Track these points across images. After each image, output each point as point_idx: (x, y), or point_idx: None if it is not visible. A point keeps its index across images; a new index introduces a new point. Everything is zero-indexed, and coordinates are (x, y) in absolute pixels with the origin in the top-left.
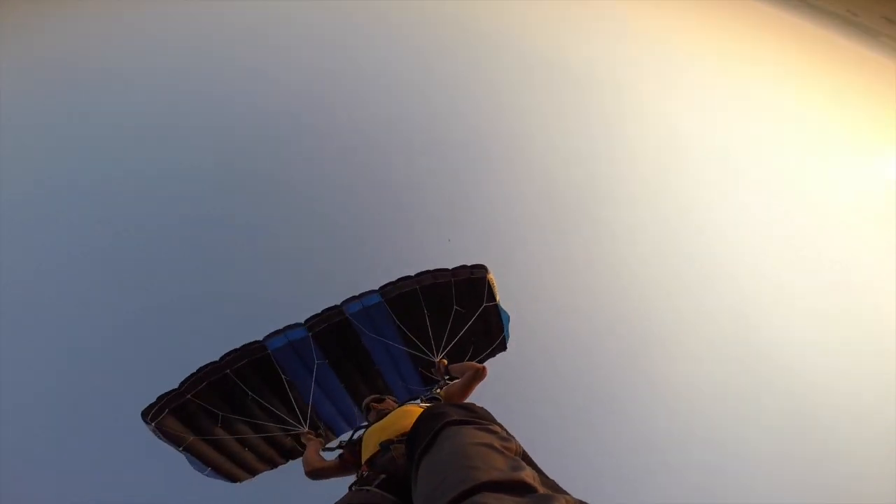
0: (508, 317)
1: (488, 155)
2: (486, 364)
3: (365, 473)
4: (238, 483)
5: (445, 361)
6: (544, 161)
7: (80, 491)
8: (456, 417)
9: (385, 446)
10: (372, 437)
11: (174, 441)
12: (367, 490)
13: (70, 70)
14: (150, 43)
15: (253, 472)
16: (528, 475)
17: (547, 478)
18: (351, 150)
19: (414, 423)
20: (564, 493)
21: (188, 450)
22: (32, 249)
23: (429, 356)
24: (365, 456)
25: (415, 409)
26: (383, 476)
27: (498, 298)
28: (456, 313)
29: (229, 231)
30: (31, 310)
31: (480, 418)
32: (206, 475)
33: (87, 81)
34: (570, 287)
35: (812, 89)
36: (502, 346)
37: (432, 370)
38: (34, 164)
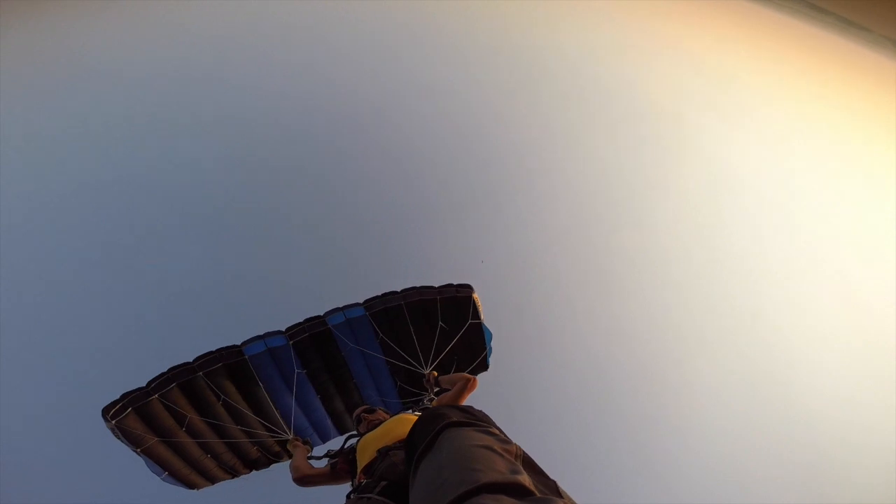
0: (491, 335)
1: (530, 176)
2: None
3: (363, 481)
4: (196, 490)
5: (436, 373)
6: (586, 189)
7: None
8: (455, 419)
9: (384, 453)
10: (369, 445)
11: (133, 442)
12: (369, 498)
13: (112, 66)
14: (184, 39)
15: (213, 480)
16: (525, 479)
17: (548, 479)
18: (389, 157)
19: (413, 425)
20: (564, 496)
21: (146, 452)
22: (72, 243)
23: (418, 368)
24: (362, 464)
25: (410, 418)
26: (384, 483)
27: (482, 317)
28: (441, 330)
29: (252, 223)
30: (66, 301)
31: (480, 420)
32: (163, 479)
33: (130, 79)
34: (606, 330)
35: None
36: (484, 365)
37: (424, 381)
38: (68, 160)
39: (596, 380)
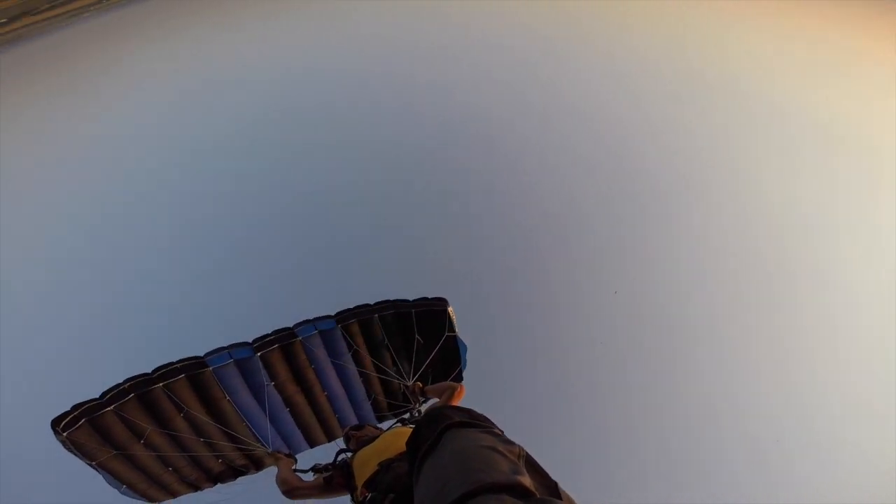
0: (466, 347)
1: (697, 201)
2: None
3: (367, 496)
4: None
5: (420, 384)
6: (761, 222)
7: None
8: (458, 420)
9: (386, 466)
10: (370, 459)
11: (87, 455)
12: None
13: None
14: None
15: (174, 494)
16: (527, 480)
17: (550, 480)
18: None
19: (416, 426)
20: (565, 496)
21: (102, 466)
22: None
23: (402, 380)
24: (362, 478)
25: (407, 431)
26: (392, 496)
27: (457, 330)
28: (417, 343)
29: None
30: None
31: (482, 421)
32: (122, 493)
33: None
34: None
35: None
36: (459, 377)
37: (408, 392)
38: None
39: None
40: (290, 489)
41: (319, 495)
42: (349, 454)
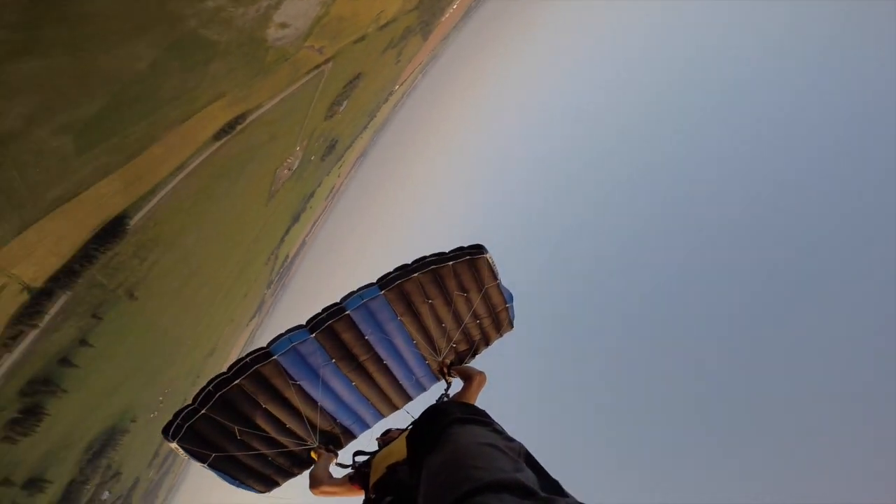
0: (512, 295)
1: None
2: (496, 342)
3: (373, 496)
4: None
5: (448, 361)
6: None
7: None
8: (460, 415)
9: (392, 469)
10: (380, 463)
11: (198, 458)
12: None
13: None
14: None
15: (277, 483)
16: (528, 478)
17: (550, 478)
18: None
19: (417, 420)
20: (567, 495)
21: (213, 466)
22: None
23: (434, 356)
24: (373, 480)
25: None
26: (390, 499)
27: (499, 278)
28: (459, 298)
29: None
30: None
31: (482, 417)
32: (238, 488)
33: None
34: None
35: None
36: (509, 325)
37: (442, 370)
38: None
39: None
40: (314, 485)
41: (343, 494)
42: (367, 456)
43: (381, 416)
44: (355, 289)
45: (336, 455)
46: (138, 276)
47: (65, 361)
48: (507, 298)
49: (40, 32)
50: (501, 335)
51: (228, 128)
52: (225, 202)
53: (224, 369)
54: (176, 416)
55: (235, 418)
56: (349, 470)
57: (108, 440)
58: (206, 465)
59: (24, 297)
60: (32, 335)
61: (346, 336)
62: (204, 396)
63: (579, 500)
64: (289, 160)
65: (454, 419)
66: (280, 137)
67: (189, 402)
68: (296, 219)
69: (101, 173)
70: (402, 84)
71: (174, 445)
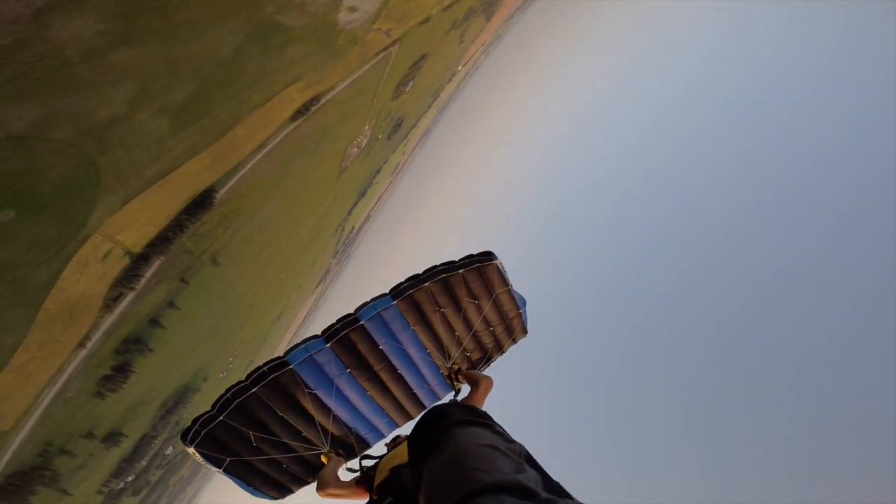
0: (524, 300)
1: None
2: (510, 350)
3: (375, 498)
4: (278, 501)
5: (456, 367)
6: None
7: None
8: (461, 417)
9: (395, 472)
10: (385, 466)
11: (214, 463)
12: None
13: None
14: None
15: (291, 490)
16: (529, 479)
17: (551, 480)
18: None
19: (418, 422)
20: (568, 496)
21: (228, 471)
22: None
23: (442, 362)
24: (376, 483)
25: None
26: (390, 500)
27: (510, 284)
28: (470, 305)
29: None
30: None
31: (484, 419)
32: (252, 494)
33: None
34: None
35: None
36: (523, 332)
37: (450, 376)
38: None
39: None
40: (321, 486)
41: (348, 497)
42: (375, 461)
43: (396, 425)
44: (368, 299)
45: (345, 459)
46: (221, 243)
47: (154, 322)
48: (520, 304)
49: (135, 22)
50: (516, 341)
51: (304, 109)
52: (299, 178)
53: (259, 364)
54: (195, 422)
55: (252, 425)
56: (357, 474)
57: (180, 398)
58: (221, 471)
59: (126, 261)
60: (130, 297)
61: (361, 346)
62: (222, 403)
63: (580, 500)
64: (358, 139)
65: (455, 421)
66: (350, 117)
67: (210, 403)
68: (362, 194)
69: (192, 152)
70: (465, 64)
71: (192, 451)
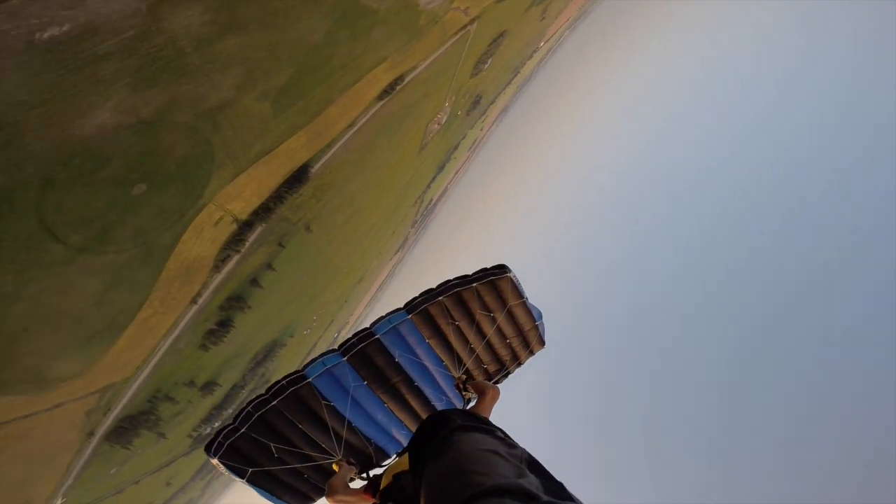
0: (540, 312)
1: None
2: (527, 362)
3: (378, 502)
4: None
5: (464, 377)
6: None
7: None
8: (462, 423)
9: (397, 477)
10: (389, 472)
11: (237, 473)
12: None
13: None
14: None
15: (312, 499)
16: (530, 483)
17: (554, 482)
18: None
19: (418, 427)
20: (571, 499)
21: (250, 481)
22: None
23: (451, 372)
24: (381, 488)
25: None
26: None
27: (525, 296)
28: (484, 318)
29: None
30: None
31: (485, 424)
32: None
33: None
34: None
35: None
36: (540, 343)
37: (457, 386)
38: None
39: None
40: (330, 493)
41: (355, 503)
42: (383, 468)
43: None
44: (384, 314)
45: (356, 467)
46: (314, 212)
47: (254, 282)
48: (536, 317)
49: (236, 11)
50: (533, 353)
51: (389, 88)
52: (384, 153)
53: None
54: (217, 434)
55: (272, 436)
56: (366, 482)
57: (269, 351)
58: (244, 481)
59: (234, 227)
60: (235, 259)
61: (378, 359)
62: (244, 416)
63: (583, 502)
64: (439, 115)
65: (456, 427)
66: (432, 95)
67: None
68: (441, 168)
69: (291, 131)
70: (547, 40)
71: (215, 462)
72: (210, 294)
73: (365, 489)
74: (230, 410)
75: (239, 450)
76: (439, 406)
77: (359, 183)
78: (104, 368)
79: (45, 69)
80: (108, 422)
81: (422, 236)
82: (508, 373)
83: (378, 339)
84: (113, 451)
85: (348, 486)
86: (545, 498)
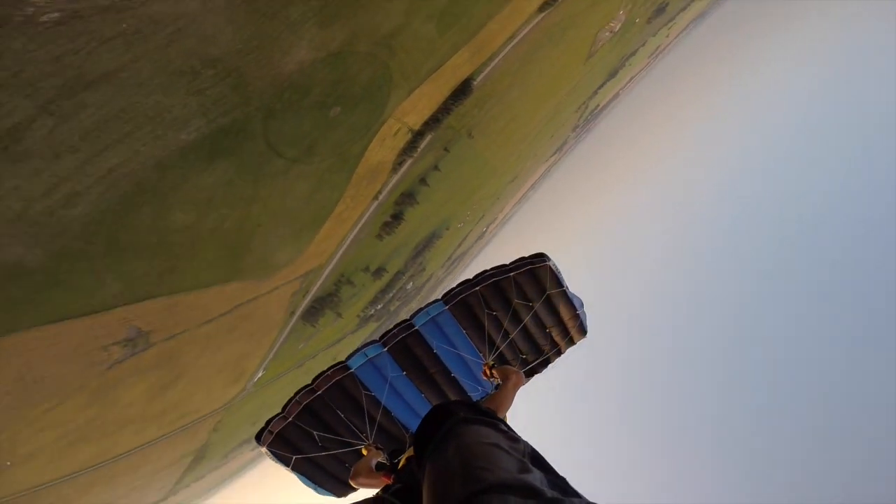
0: (581, 302)
1: None
2: (569, 351)
3: (391, 483)
4: (343, 498)
5: (491, 363)
6: None
7: None
8: (465, 415)
9: (409, 460)
10: (405, 456)
11: (283, 462)
12: (382, 498)
13: None
14: None
15: (352, 489)
16: (534, 478)
17: (557, 477)
18: None
19: (423, 418)
20: (575, 494)
21: (295, 469)
22: None
23: (479, 359)
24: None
25: None
26: (399, 486)
27: (565, 285)
28: (522, 308)
29: None
30: None
31: (489, 416)
32: (317, 493)
33: None
34: None
35: None
36: (581, 333)
37: (484, 373)
38: None
39: None
40: (354, 476)
41: (377, 486)
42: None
43: None
44: (423, 305)
45: (384, 452)
46: (475, 120)
47: (422, 181)
48: (577, 305)
49: None
50: (574, 342)
51: (551, 0)
52: (545, 63)
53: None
54: (267, 423)
55: (316, 424)
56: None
57: (428, 242)
58: (289, 468)
59: (408, 136)
60: (409, 162)
61: (417, 350)
62: (291, 405)
63: (586, 497)
64: (611, 24)
65: (459, 419)
66: (601, 3)
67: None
68: (612, 74)
69: (455, 49)
70: None
71: (265, 450)
72: (388, 191)
73: (386, 472)
74: (391, 294)
75: (285, 438)
76: (475, 396)
77: (518, 92)
78: (308, 256)
79: (248, 21)
80: (306, 302)
81: (583, 140)
82: (549, 362)
83: (417, 330)
84: (304, 329)
85: (371, 470)
86: (549, 493)
